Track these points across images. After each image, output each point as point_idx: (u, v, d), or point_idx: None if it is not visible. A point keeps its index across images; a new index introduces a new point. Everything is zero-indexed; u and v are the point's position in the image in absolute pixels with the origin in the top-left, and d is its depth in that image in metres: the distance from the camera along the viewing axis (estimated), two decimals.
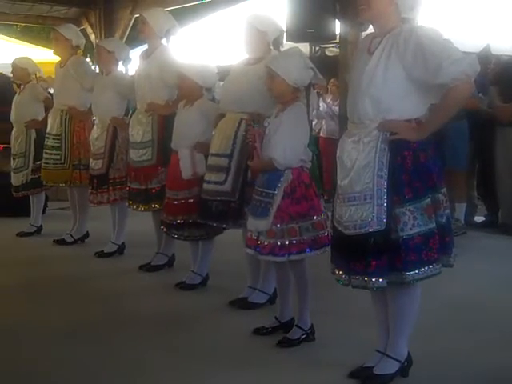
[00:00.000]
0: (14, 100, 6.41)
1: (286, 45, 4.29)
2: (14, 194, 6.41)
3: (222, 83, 4.40)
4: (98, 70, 6.31)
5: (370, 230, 2.79)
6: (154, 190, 4.89)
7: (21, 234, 6.35)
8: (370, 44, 2.91)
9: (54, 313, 4.10)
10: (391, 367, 3.00)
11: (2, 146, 7.52)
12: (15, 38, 13.57)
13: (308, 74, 3.43)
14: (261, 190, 3.43)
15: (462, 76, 2.70)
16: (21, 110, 6.30)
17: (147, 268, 5.04)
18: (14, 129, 6.40)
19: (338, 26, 6.33)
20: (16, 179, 6.35)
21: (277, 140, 3.36)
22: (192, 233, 4.41)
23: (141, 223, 5.48)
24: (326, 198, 6.92)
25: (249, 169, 3.87)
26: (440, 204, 2.86)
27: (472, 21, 8.35)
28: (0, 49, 11.29)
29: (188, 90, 4.40)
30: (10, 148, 6.57)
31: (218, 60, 6.38)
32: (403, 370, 3.03)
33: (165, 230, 4.61)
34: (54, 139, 5.86)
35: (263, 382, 3.13)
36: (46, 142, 5.94)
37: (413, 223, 2.78)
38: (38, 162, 6.12)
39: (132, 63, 5.65)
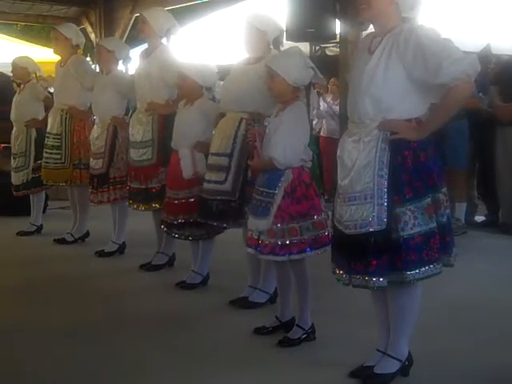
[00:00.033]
0: (14, 99, 6.40)
1: (286, 44, 4.28)
2: (15, 193, 6.41)
3: (222, 83, 4.40)
4: (98, 70, 6.31)
5: (371, 230, 2.79)
6: (154, 190, 4.89)
7: (21, 234, 6.35)
8: (370, 43, 2.91)
9: (54, 312, 4.10)
10: (392, 366, 3.00)
11: (3, 145, 7.52)
12: (15, 37, 13.56)
13: (308, 74, 3.43)
14: (261, 189, 3.43)
15: (462, 75, 2.70)
16: (21, 109, 6.30)
17: (148, 267, 5.04)
18: (15, 128, 6.40)
19: (338, 26, 6.33)
20: (16, 178, 6.35)
21: (277, 139, 3.35)
22: (193, 232, 4.41)
23: (141, 223, 5.48)
24: (326, 197, 6.93)
25: (249, 168, 3.87)
26: (440, 203, 2.86)
27: (472, 20, 8.35)
28: (0, 48, 11.29)
29: (188, 89, 4.40)
30: (10, 147, 6.57)
31: (218, 59, 6.37)
32: (404, 370, 3.03)
33: (165, 229, 4.61)
34: (54, 138, 5.86)
35: (264, 381, 3.13)
36: (46, 142, 5.94)
37: (413, 223, 2.78)
38: (39, 162, 6.12)
39: (132, 62, 5.65)
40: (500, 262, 5.23)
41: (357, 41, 5.78)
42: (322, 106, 8.78)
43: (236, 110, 4.00)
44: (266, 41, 4.02)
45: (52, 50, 6.24)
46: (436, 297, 3.87)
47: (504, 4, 8.47)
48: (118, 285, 4.71)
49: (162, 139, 4.84)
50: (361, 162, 2.84)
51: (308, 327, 3.51)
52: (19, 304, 4.30)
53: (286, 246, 3.36)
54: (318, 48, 9.36)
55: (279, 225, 3.35)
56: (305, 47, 8.16)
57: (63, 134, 5.83)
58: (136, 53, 5.73)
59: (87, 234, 6.04)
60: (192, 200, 4.32)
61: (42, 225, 6.45)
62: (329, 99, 8.82)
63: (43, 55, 10.23)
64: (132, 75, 5.31)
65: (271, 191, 3.37)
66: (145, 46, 5.27)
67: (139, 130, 4.95)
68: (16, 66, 6.33)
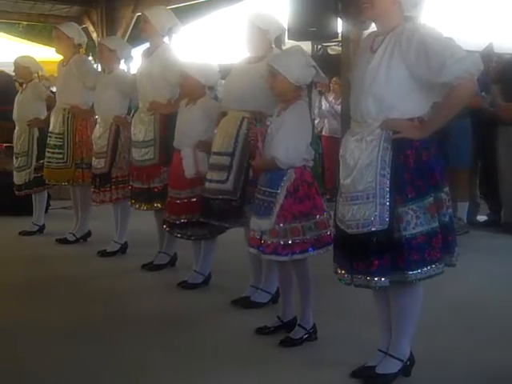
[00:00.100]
0: (16, 99, 6.40)
1: (288, 43, 4.29)
2: (17, 192, 6.41)
3: (223, 82, 4.40)
4: (100, 69, 6.31)
5: (373, 229, 2.78)
6: (156, 189, 4.89)
7: (23, 233, 6.35)
8: (372, 42, 2.91)
9: (55, 312, 4.10)
10: (393, 366, 3.00)
11: (5, 144, 7.53)
12: (17, 37, 13.58)
13: (310, 73, 3.42)
14: (263, 189, 3.42)
15: (465, 74, 2.70)
16: (23, 108, 6.30)
17: (149, 267, 5.04)
18: (17, 127, 6.40)
19: (340, 25, 6.33)
20: (19, 178, 6.35)
21: (279, 139, 3.35)
22: (195, 232, 4.41)
23: (143, 222, 5.48)
24: (328, 196, 6.93)
25: (250, 167, 3.87)
26: (443, 203, 2.85)
27: (474, 19, 8.35)
28: (2, 47, 11.30)
29: (190, 88, 4.39)
30: (12, 147, 6.57)
31: (220, 58, 6.37)
32: (405, 370, 3.03)
33: (168, 229, 4.61)
34: (56, 138, 5.86)
35: (265, 381, 3.12)
36: (48, 141, 5.93)
37: (415, 222, 2.78)
38: (41, 161, 6.11)
39: (134, 61, 5.64)
40: (502, 262, 5.22)
41: (359, 40, 5.78)
42: (324, 105, 8.77)
43: (238, 109, 4.00)
44: (267, 40, 4.02)
45: (54, 49, 6.24)
46: (437, 296, 3.87)
47: (506, 3, 8.46)
48: (120, 284, 4.71)
49: (164, 139, 4.83)
50: (363, 161, 2.83)
51: (310, 327, 3.50)
52: (21, 303, 4.30)
53: (288, 245, 3.36)
54: (319, 47, 9.35)
55: (282, 224, 3.34)
56: (307, 46, 8.13)
57: (65, 134, 5.82)
58: (138, 52, 5.72)
59: (89, 234, 6.04)
60: (194, 200, 4.32)
61: (44, 224, 6.45)
62: (331, 98, 8.81)
63: (45, 54, 10.23)
64: (134, 74, 5.31)
65: (273, 191, 3.36)
66: (147, 45, 5.25)
67: (141, 129, 4.95)
68: (18, 65, 6.33)
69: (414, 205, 2.79)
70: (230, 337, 3.63)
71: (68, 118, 5.83)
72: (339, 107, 7.89)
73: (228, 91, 4.17)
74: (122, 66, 5.56)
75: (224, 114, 4.12)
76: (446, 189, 2.89)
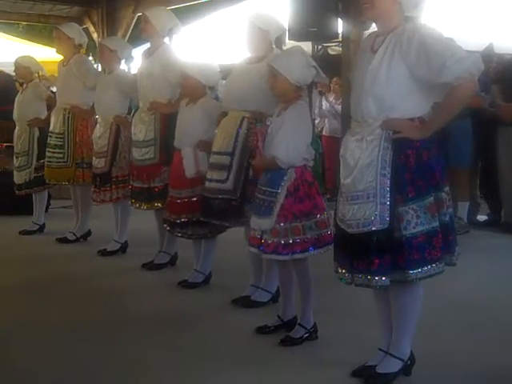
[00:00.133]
0: (16, 99, 6.41)
1: (289, 43, 4.28)
2: (17, 192, 6.41)
3: (224, 82, 4.40)
4: (100, 69, 6.31)
5: (373, 229, 2.79)
6: (156, 189, 4.89)
7: (23, 233, 6.35)
8: (373, 43, 2.91)
9: (55, 311, 4.10)
10: (394, 366, 3.00)
11: (5, 144, 7.53)
12: (18, 37, 13.58)
13: (310, 73, 3.42)
14: (264, 188, 3.43)
15: (465, 75, 2.70)
16: (23, 108, 6.30)
17: (150, 266, 5.04)
18: (17, 127, 6.41)
19: (340, 25, 6.33)
20: (19, 177, 6.36)
21: (280, 139, 3.35)
22: (196, 231, 4.41)
23: (143, 222, 5.48)
24: (328, 196, 6.94)
25: (250, 167, 3.88)
26: (443, 203, 2.85)
27: (475, 20, 8.35)
28: (3, 47, 11.30)
29: (191, 88, 4.40)
30: (12, 146, 6.57)
31: (221, 59, 6.37)
32: (406, 369, 3.03)
33: (168, 228, 4.61)
34: (56, 138, 5.87)
35: (265, 380, 3.12)
36: (48, 141, 5.94)
37: (416, 222, 2.78)
38: (42, 161, 6.12)
39: (134, 62, 5.65)
40: (502, 262, 5.22)
41: (359, 40, 5.79)
42: (325, 105, 8.78)
43: (238, 109, 4.01)
44: (268, 40, 4.02)
45: (54, 49, 6.25)
46: (437, 296, 3.87)
47: (506, 3, 8.46)
48: (120, 284, 4.72)
49: (165, 138, 4.84)
50: (363, 160, 2.83)
51: (310, 326, 3.51)
52: (21, 303, 4.30)
53: (289, 245, 3.36)
54: (320, 47, 9.36)
55: (282, 224, 3.35)
56: (307, 46, 8.13)
57: (66, 134, 5.83)
58: (138, 52, 5.73)
59: (89, 233, 6.05)
60: (195, 199, 4.32)
61: (44, 224, 6.46)
62: (331, 98, 8.82)
63: (46, 55, 10.23)
64: (134, 74, 5.31)
65: (274, 190, 3.37)
66: (147, 45, 5.26)
67: (141, 129, 4.95)
68: (19, 65, 6.34)
69: (415, 204, 2.79)
70: (230, 336, 3.63)
71: (68, 117, 5.83)
72: (339, 107, 7.89)
73: (228, 91, 4.17)
74: (123, 66, 5.57)
75: (224, 114, 4.12)
76: (447, 188, 2.89)
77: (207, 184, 4.10)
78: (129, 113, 5.53)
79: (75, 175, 5.81)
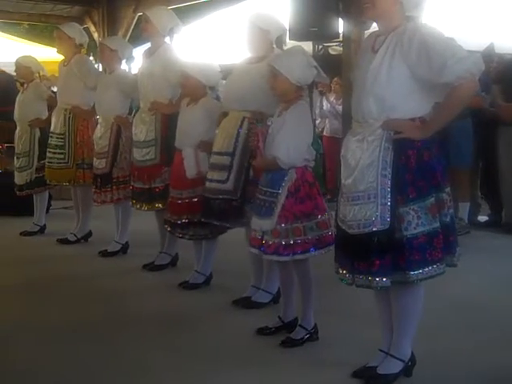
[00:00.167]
0: (17, 99, 6.41)
1: (289, 43, 4.28)
2: (18, 193, 6.41)
3: (224, 82, 4.40)
4: (101, 69, 6.31)
5: (374, 229, 2.78)
6: (157, 190, 4.89)
7: (24, 233, 6.35)
8: (374, 42, 2.91)
9: (56, 312, 4.10)
10: (395, 367, 3.00)
11: (6, 144, 7.53)
12: (19, 37, 13.58)
13: (311, 73, 3.42)
14: (265, 189, 3.42)
15: (466, 74, 2.70)
16: (24, 108, 6.30)
17: (150, 267, 5.04)
18: (18, 128, 6.41)
19: (341, 25, 6.32)
20: (20, 178, 6.35)
21: (280, 139, 3.35)
22: (197, 232, 4.41)
23: (144, 222, 5.48)
24: (329, 197, 6.94)
25: (251, 167, 3.87)
26: (444, 203, 2.85)
27: (476, 19, 8.34)
28: (3, 47, 11.31)
29: (192, 88, 4.39)
30: (13, 147, 6.57)
31: (221, 58, 6.37)
32: (407, 370, 3.03)
33: (169, 229, 4.61)
34: (57, 138, 5.87)
35: (266, 381, 3.12)
36: (49, 141, 5.94)
37: (417, 222, 2.78)
38: (42, 161, 6.12)
39: (135, 62, 5.65)
40: (503, 262, 5.22)
41: (360, 40, 5.78)
42: (325, 105, 8.77)
43: (238, 109, 4.00)
44: (268, 40, 4.01)
45: (55, 49, 6.25)
46: (438, 297, 3.86)
47: (507, 3, 8.45)
48: (121, 285, 4.71)
49: (165, 139, 4.83)
50: (364, 161, 2.83)
51: (311, 327, 3.50)
52: (21, 303, 4.30)
53: (289, 245, 3.36)
54: (321, 47, 9.35)
55: (283, 225, 3.34)
56: (308, 46, 8.14)
57: (66, 134, 5.83)
58: (139, 52, 5.73)
59: (90, 234, 6.04)
60: (195, 200, 4.32)
61: (45, 225, 6.45)
62: (332, 98, 8.81)
63: (46, 55, 10.24)
64: (135, 74, 5.31)
65: (275, 191, 3.36)
66: (148, 45, 5.26)
67: (142, 129, 4.95)
68: (19, 65, 6.34)
69: (416, 205, 2.79)
70: (231, 337, 3.63)
71: (69, 118, 5.83)
72: (340, 107, 7.89)
73: (229, 91, 4.17)
74: (124, 66, 5.56)
75: (225, 115, 4.12)
76: (448, 189, 2.89)
77: (207, 184, 4.10)
78: (129, 113, 5.52)
79: (76, 176, 5.81)
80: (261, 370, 3.20)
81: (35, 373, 3.21)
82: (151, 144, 4.90)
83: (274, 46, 4.03)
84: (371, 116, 2.85)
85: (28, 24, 15.76)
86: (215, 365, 3.26)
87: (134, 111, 5.52)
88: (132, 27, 8.96)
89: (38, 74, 6.40)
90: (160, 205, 4.86)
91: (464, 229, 5.92)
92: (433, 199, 2.81)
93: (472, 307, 4.06)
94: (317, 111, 8.08)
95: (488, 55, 6.35)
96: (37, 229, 6.40)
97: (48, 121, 6.09)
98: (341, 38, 6.61)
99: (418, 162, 2.81)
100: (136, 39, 8.44)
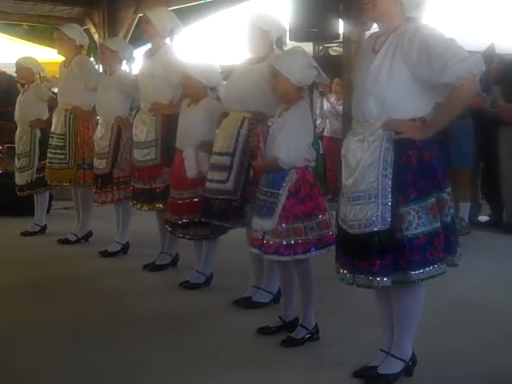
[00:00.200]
0: (18, 100, 6.41)
1: (290, 44, 4.28)
2: (19, 193, 6.41)
3: (225, 82, 4.40)
4: (101, 70, 6.31)
5: (375, 229, 2.79)
6: (157, 190, 4.89)
7: (25, 234, 6.35)
8: (374, 43, 2.91)
9: (57, 312, 4.10)
10: (395, 367, 3.00)
11: (7, 145, 7.54)
12: (19, 38, 13.59)
13: (312, 73, 3.42)
14: (265, 189, 3.42)
15: (467, 75, 2.70)
16: (25, 109, 6.31)
17: (151, 267, 5.04)
18: (19, 128, 6.41)
19: (341, 26, 6.32)
20: (21, 178, 6.36)
21: (281, 139, 3.35)
22: (197, 232, 4.41)
23: (145, 223, 5.48)
24: (329, 197, 6.94)
25: (251, 167, 3.87)
26: (445, 203, 2.85)
27: (476, 20, 8.35)
28: (4, 48, 11.32)
29: (192, 89, 4.40)
30: (14, 148, 6.58)
31: (222, 59, 6.37)
32: (408, 370, 3.03)
33: (170, 229, 4.61)
34: (58, 139, 5.87)
35: (267, 381, 3.12)
36: (50, 142, 5.95)
37: (417, 222, 2.78)
38: (43, 162, 6.12)
39: (136, 62, 5.65)
40: (504, 262, 5.22)
41: (360, 40, 5.78)
42: (326, 105, 8.78)
43: (239, 110, 4.01)
44: (269, 41, 4.02)
45: (56, 50, 6.25)
46: (439, 297, 3.86)
47: (507, 4, 8.46)
48: (122, 285, 4.72)
49: (166, 139, 4.84)
50: (365, 161, 2.83)
51: (312, 327, 3.50)
52: (22, 303, 4.30)
53: (290, 245, 3.36)
54: (321, 48, 9.36)
55: (284, 225, 3.35)
56: (308, 47, 8.15)
57: (67, 135, 5.83)
58: (140, 53, 5.73)
59: (90, 234, 6.05)
60: (196, 200, 4.32)
61: (45, 225, 6.46)
62: (332, 99, 8.82)
63: (47, 56, 10.25)
64: (136, 75, 5.31)
65: (275, 191, 3.37)
66: (148, 46, 5.26)
67: (143, 130, 4.95)
68: (20, 66, 6.34)
69: (416, 205, 2.79)
70: (231, 337, 3.63)
71: (70, 118, 5.84)
72: (341, 108, 7.89)
73: (229, 92, 4.17)
74: (124, 67, 5.57)
75: (225, 115, 4.12)
76: (449, 189, 2.89)
77: (208, 184, 4.10)
78: (130, 114, 5.53)
79: (76, 176, 5.82)
80: (261, 370, 3.20)
81: (35, 373, 3.21)
82: (152, 145, 4.91)
83: (275, 46, 4.04)
84: (372, 116, 2.85)
85: (28, 25, 15.75)
86: (216, 365, 3.27)
87: (134, 112, 5.52)
88: (132, 28, 8.95)
89: (38, 75, 6.40)
90: (160, 205, 4.86)
91: (465, 229, 5.92)
92: (434, 199, 2.82)
93: (473, 307, 4.06)
94: (317, 112, 8.09)
95: (488, 56, 6.35)
96: (37, 229, 6.40)
97: (49, 121, 6.09)
98: (341, 39, 6.60)
99: (418, 162, 2.81)
100: (136, 40, 8.44)
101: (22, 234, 6.35)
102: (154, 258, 5.09)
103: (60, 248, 5.86)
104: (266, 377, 3.14)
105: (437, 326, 3.61)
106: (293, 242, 3.35)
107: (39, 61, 6.64)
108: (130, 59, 5.56)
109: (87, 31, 8.24)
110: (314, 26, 6.25)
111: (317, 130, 8.18)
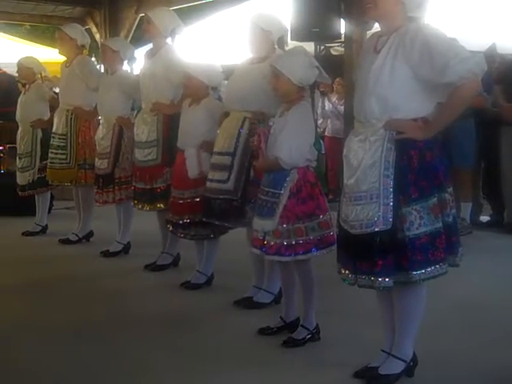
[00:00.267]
0: (19, 100, 6.42)
1: (291, 44, 4.28)
2: (20, 193, 6.42)
3: (226, 82, 4.40)
4: (103, 70, 6.31)
5: (376, 230, 2.78)
6: (159, 190, 4.89)
7: (26, 234, 6.35)
8: (376, 43, 2.91)
9: (57, 312, 4.10)
10: (396, 367, 2.99)
11: (8, 145, 7.54)
12: (20, 38, 13.59)
13: (313, 73, 3.42)
14: (266, 189, 3.42)
15: (469, 74, 2.70)
16: (26, 109, 6.31)
17: (152, 267, 5.04)
18: (20, 128, 6.41)
19: (342, 25, 6.32)
20: (22, 178, 6.36)
21: (282, 139, 3.35)
22: (198, 232, 4.41)
23: (146, 223, 5.48)
24: (331, 197, 6.94)
25: (251, 167, 3.87)
26: (446, 203, 2.84)
27: (478, 20, 8.34)
28: (6, 48, 11.32)
29: (194, 89, 4.40)
30: (15, 148, 6.58)
31: (223, 59, 6.37)
32: (409, 370, 3.02)
33: (171, 229, 4.61)
34: (59, 139, 5.87)
35: (268, 381, 3.12)
36: (51, 142, 5.95)
37: (419, 223, 2.77)
38: (44, 162, 6.12)
39: (137, 62, 5.65)
40: (505, 262, 5.21)
41: (361, 40, 5.78)
42: (327, 105, 8.77)
43: (240, 110, 4.00)
44: (270, 40, 4.01)
45: (57, 50, 6.25)
46: (440, 297, 3.86)
47: (509, 4, 8.45)
48: (123, 285, 4.71)
49: (167, 139, 4.84)
50: (367, 161, 2.83)
51: (313, 327, 3.50)
52: (23, 303, 4.30)
53: (291, 246, 3.35)
54: (322, 48, 9.36)
55: (285, 225, 3.34)
56: (309, 47, 8.15)
57: (68, 135, 5.84)
58: (141, 53, 5.74)
59: (91, 234, 6.05)
60: (197, 200, 4.32)
61: (47, 225, 6.46)
62: (334, 99, 8.82)
63: (48, 55, 10.25)
64: (137, 75, 5.31)
65: (277, 191, 3.36)
66: (150, 46, 5.26)
67: (144, 130, 4.95)
68: (21, 66, 6.35)
69: (418, 205, 2.79)
70: (232, 337, 3.62)
71: (71, 118, 5.84)
72: (342, 108, 7.89)
73: (230, 92, 4.17)
74: (125, 66, 5.57)
75: (227, 115, 4.12)
76: (450, 189, 2.89)
77: (208, 184, 4.10)
78: (131, 114, 5.53)
79: (78, 176, 5.82)
80: (262, 370, 3.20)
81: (36, 373, 3.21)
82: (153, 144, 4.91)
83: (276, 46, 4.03)
84: (373, 116, 2.85)
85: (30, 25, 15.77)
86: (217, 365, 3.26)
87: (135, 112, 5.52)
88: (134, 28, 8.97)
89: (39, 75, 6.40)
90: (162, 205, 4.86)
91: (466, 229, 5.92)
92: (435, 199, 2.81)
93: (474, 307, 4.05)
94: (319, 111, 8.09)
95: (490, 55, 6.34)
96: (39, 229, 6.40)
97: (50, 121, 6.09)
98: (343, 39, 6.61)
99: (420, 162, 2.81)
100: (138, 40, 8.45)
101: (23, 233, 6.35)
102: (155, 258, 5.08)
103: (61, 248, 5.86)
104: (267, 377, 3.14)
105: (438, 326, 3.60)
106: (294, 243, 3.34)
107: (41, 61, 6.64)
108: (132, 59, 5.56)
109: (89, 31, 8.23)
110: (315, 26, 6.26)
111: (318, 129, 8.19)
